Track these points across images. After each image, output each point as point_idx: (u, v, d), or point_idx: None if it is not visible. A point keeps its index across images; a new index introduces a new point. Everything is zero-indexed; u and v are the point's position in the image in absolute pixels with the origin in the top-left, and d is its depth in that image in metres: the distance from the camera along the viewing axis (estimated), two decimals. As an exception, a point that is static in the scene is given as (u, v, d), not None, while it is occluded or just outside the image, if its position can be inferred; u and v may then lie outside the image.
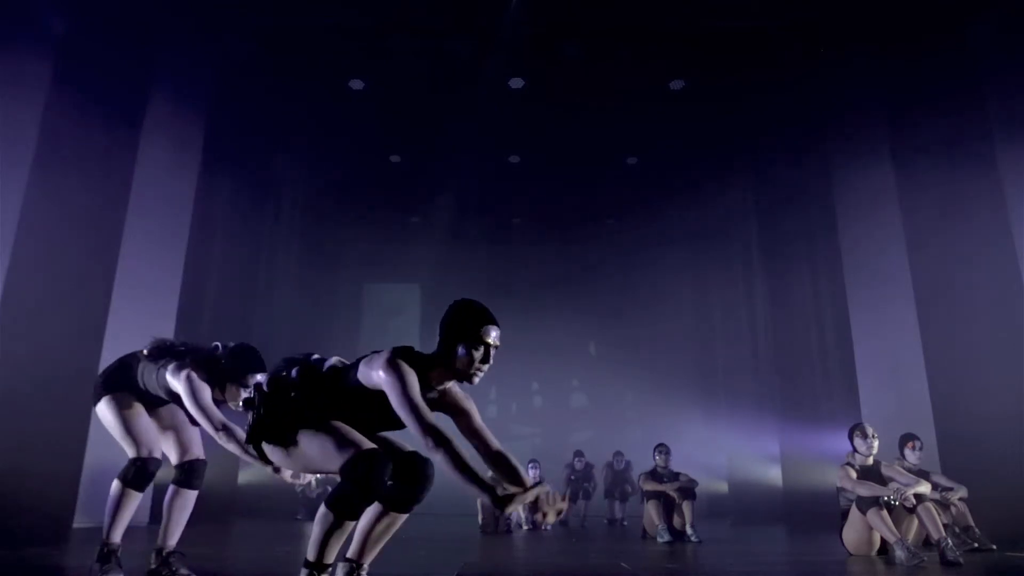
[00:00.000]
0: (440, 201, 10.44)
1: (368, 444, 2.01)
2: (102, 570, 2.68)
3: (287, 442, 2.08)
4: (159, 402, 2.94)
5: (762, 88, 7.86)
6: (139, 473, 2.74)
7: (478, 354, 2.06)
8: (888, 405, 6.85)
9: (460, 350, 2.06)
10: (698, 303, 12.39)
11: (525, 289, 12.60)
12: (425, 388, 2.08)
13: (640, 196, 10.66)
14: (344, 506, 1.94)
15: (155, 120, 6.94)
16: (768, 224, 9.76)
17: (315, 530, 1.98)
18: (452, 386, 2.20)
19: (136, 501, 2.78)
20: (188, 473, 2.86)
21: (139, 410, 2.85)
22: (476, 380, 2.11)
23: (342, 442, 2.00)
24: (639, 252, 12.19)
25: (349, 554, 2.16)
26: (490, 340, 2.07)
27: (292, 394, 2.15)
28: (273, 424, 2.11)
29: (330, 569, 2.01)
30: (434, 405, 2.16)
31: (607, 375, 12.78)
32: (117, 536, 2.75)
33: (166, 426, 2.94)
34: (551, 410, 13.26)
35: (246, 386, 2.76)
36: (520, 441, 12.56)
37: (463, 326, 2.07)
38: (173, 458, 2.90)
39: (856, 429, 4.55)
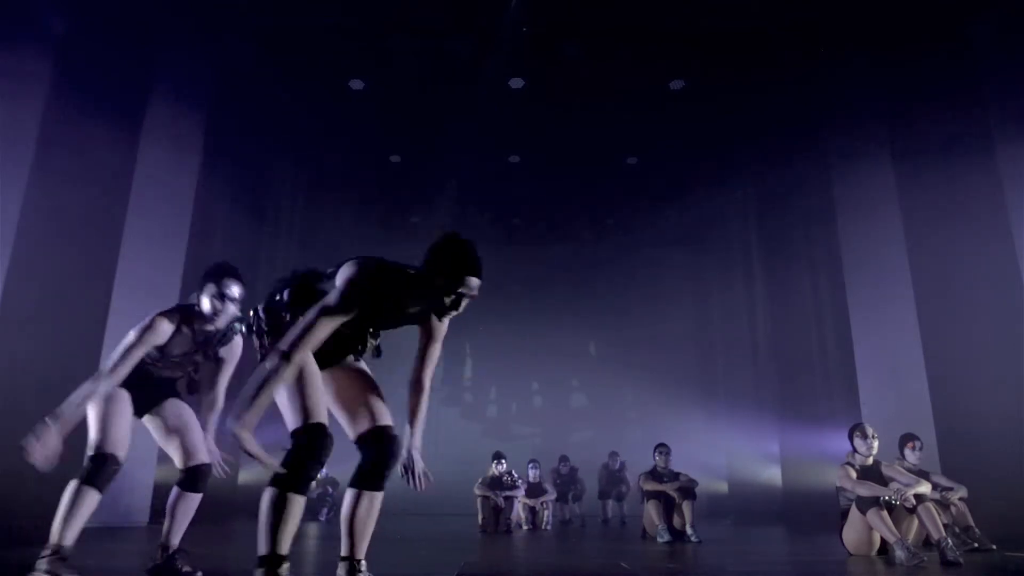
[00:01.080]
0: (440, 201, 10.44)
1: (320, 416, 1.98)
2: (47, 571, 2.51)
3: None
4: (163, 397, 2.89)
5: (762, 88, 7.86)
6: (100, 472, 2.63)
7: (449, 299, 2.06)
8: (888, 405, 6.85)
9: (438, 283, 2.06)
10: (698, 303, 12.40)
11: (525, 289, 12.60)
12: (396, 309, 2.12)
13: (640, 196, 10.67)
14: (286, 479, 1.88)
15: (155, 120, 6.94)
16: (768, 224, 9.77)
17: (262, 518, 1.87)
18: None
19: (94, 503, 2.61)
20: (193, 477, 2.82)
21: (125, 409, 2.75)
22: (442, 318, 2.14)
23: (301, 407, 1.97)
24: (639, 252, 12.20)
25: (343, 553, 2.10)
26: (467, 290, 2.07)
27: (286, 316, 2.11)
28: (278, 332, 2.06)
29: (287, 563, 1.88)
30: (410, 318, 2.19)
31: (607, 375, 12.79)
32: (70, 538, 2.58)
33: (171, 428, 2.88)
34: (551, 410, 13.26)
35: (224, 294, 2.72)
36: (520, 441, 12.56)
37: (449, 264, 2.06)
38: (178, 461, 2.85)
39: (856, 429, 4.55)
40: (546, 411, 13.30)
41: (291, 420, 1.98)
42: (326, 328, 1.96)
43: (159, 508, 6.57)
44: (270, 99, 8.18)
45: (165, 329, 2.71)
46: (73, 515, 2.56)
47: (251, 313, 2.21)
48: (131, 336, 2.65)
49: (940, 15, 6.65)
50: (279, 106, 8.32)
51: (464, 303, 2.09)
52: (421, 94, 8.13)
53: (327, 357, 2.16)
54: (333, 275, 2.16)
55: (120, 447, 2.68)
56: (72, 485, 2.61)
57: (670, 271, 12.40)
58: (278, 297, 2.19)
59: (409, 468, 2.19)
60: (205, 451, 2.87)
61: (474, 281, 2.08)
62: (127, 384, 2.75)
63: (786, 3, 6.71)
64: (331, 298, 1.99)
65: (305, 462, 1.92)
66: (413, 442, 2.21)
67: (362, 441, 2.14)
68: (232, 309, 2.78)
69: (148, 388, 2.85)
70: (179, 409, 2.91)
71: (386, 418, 2.17)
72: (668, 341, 12.37)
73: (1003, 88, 6.39)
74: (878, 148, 7.46)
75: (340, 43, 7.34)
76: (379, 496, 2.14)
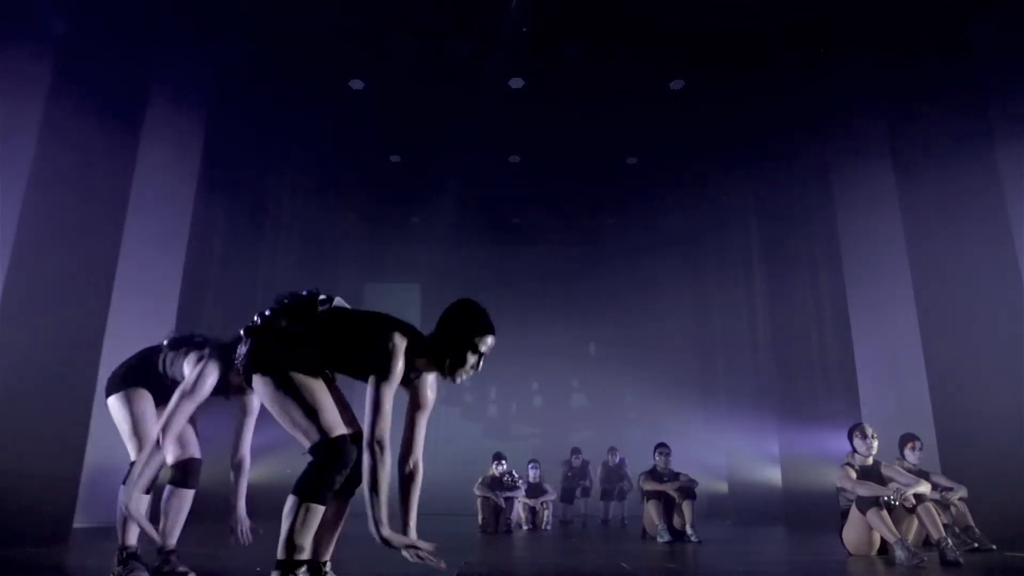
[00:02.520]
0: (440, 201, 10.44)
1: (342, 429, 2.02)
2: (125, 571, 2.63)
3: (277, 377, 2.05)
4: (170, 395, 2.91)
5: (762, 88, 7.86)
6: (184, 474, 2.79)
7: (472, 359, 2.12)
8: (888, 405, 6.85)
9: (453, 350, 2.12)
10: (698, 303, 12.40)
11: (525, 289, 12.60)
12: (409, 369, 2.13)
13: (640, 196, 10.66)
14: (310, 490, 1.94)
15: (155, 120, 6.93)
16: (768, 224, 9.77)
17: (284, 524, 1.93)
18: (429, 375, 2.26)
19: (146, 500, 2.74)
20: (184, 473, 2.84)
21: (151, 410, 2.81)
22: (458, 381, 2.16)
23: (321, 420, 2.01)
24: (639, 252, 12.19)
25: (305, 555, 2.06)
26: (484, 349, 2.13)
27: (284, 323, 2.16)
28: (265, 351, 2.10)
29: (302, 568, 1.94)
30: (404, 380, 2.20)
31: (607, 375, 12.79)
32: (132, 539, 2.70)
33: None
34: (551, 410, 13.26)
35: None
36: (520, 441, 12.56)
37: (463, 328, 2.12)
38: (169, 458, 2.87)
39: (856, 429, 4.55)
40: (546, 411, 13.30)
41: (312, 434, 2.01)
42: (390, 399, 2.03)
43: (158, 508, 6.57)
44: (270, 99, 8.17)
45: (212, 381, 2.71)
46: (176, 518, 2.80)
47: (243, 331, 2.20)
48: (198, 378, 2.66)
49: (940, 15, 6.65)
50: (279, 106, 8.31)
51: (482, 362, 2.16)
52: (421, 94, 8.12)
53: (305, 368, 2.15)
54: (327, 302, 2.25)
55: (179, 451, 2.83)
56: (123, 494, 2.62)
57: (670, 271, 12.40)
58: (284, 301, 2.24)
59: (412, 551, 2.10)
60: (197, 446, 2.90)
61: (490, 339, 2.15)
62: (149, 387, 2.84)
63: (786, 3, 6.71)
64: (384, 374, 2.04)
65: (328, 475, 1.97)
66: (410, 531, 2.15)
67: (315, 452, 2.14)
68: None
69: (162, 386, 2.89)
70: None
71: (350, 428, 2.17)
72: (668, 341, 12.37)
73: (1003, 88, 6.39)
74: (878, 148, 7.45)
75: (340, 43, 7.33)
76: (347, 504, 2.21)
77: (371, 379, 2.04)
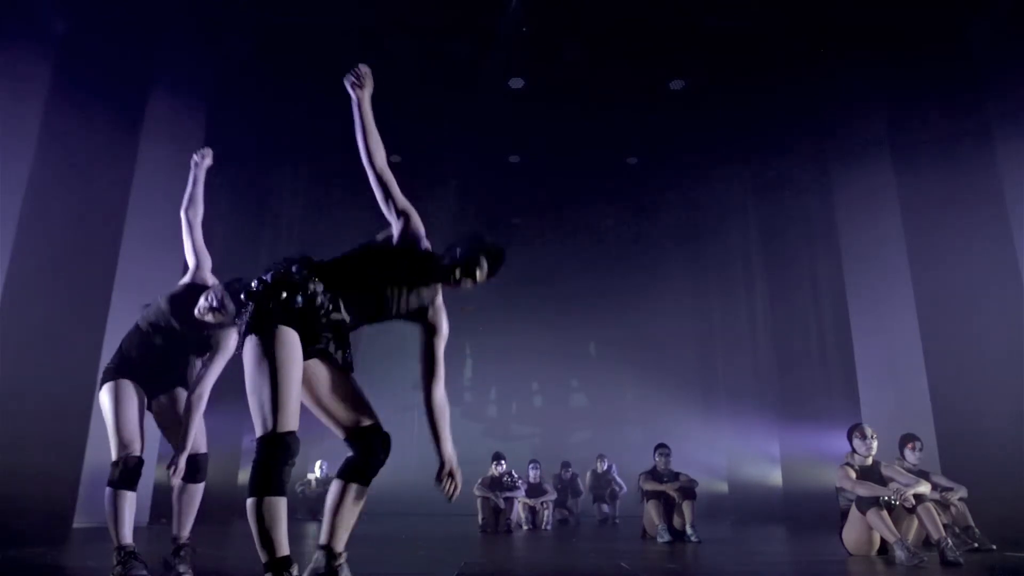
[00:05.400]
0: (440, 201, 10.44)
1: (286, 421, 1.94)
2: (125, 571, 2.65)
3: (268, 340, 1.99)
4: (165, 388, 2.94)
5: (762, 88, 7.86)
6: (123, 474, 2.74)
7: (480, 271, 2.28)
8: (888, 405, 6.85)
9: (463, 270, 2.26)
10: (698, 303, 12.39)
11: (525, 289, 12.59)
12: (399, 278, 2.26)
13: (640, 196, 10.66)
14: (260, 485, 1.90)
15: (155, 120, 6.93)
16: (768, 224, 9.77)
17: (252, 528, 1.90)
18: (439, 300, 2.34)
19: (132, 500, 2.77)
20: (194, 468, 2.88)
21: (135, 405, 2.82)
22: (450, 282, 2.27)
23: (269, 409, 1.94)
24: (639, 252, 12.19)
25: (322, 541, 2.11)
26: (477, 277, 2.28)
27: (285, 292, 2.08)
28: (266, 315, 2.04)
29: (293, 565, 1.90)
30: (415, 315, 2.29)
31: (607, 375, 12.78)
32: (127, 537, 2.73)
33: (169, 420, 2.94)
34: (551, 410, 13.26)
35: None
36: (520, 441, 12.56)
37: (473, 254, 2.30)
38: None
39: (855, 430, 4.55)
40: (546, 411, 13.30)
41: (257, 423, 1.96)
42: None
43: (158, 508, 6.58)
44: (270, 100, 8.17)
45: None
46: (120, 517, 2.72)
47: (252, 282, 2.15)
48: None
49: (940, 15, 6.65)
50: (279, 107, 8.32)
51: (469, 284, 2.25)
52: (421, 94, 8.12)
53: (311, 340, 2.12)
54: (325, 263, 2.22)
55: (134, 445, 2.79)
56: (108, 492, 2.74)
57: (670, 271, 12.39)
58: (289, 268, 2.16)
59: (447, 479, 2.23)
60: (204, 441, 2.93)
61: (485, 271, 2.27)
62: (137, 375, 2.84)
63: (786, 3, 6.71)
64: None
65: (273, 469, 1.92)
66: (447, 456, 2.23)
67: (353, 438, 2.18)
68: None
69: (159, 375, 2.91)
70: (177, 399, 2.95)
71: (375, 416, 2.21)
72: (668, 341, 12.36)
73: (1003, 87, 6.39)
74: (878, 147, 7.46)
75: (340, 43, 7.34)
76: (365, 490, 2.17)
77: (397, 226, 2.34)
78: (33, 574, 3.17)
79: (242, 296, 2.14)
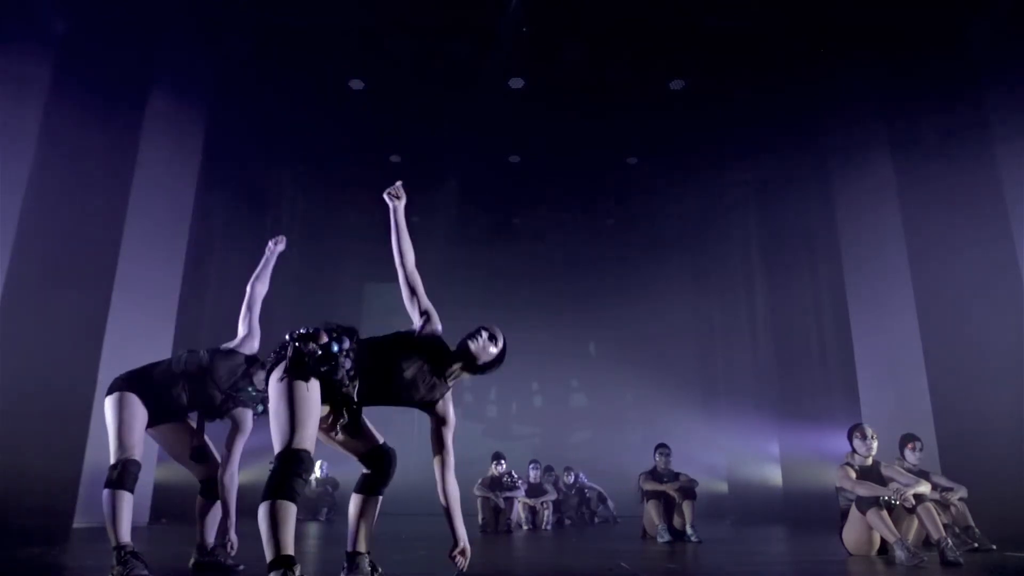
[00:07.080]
0: (440, 201, 10.44)
1: (303, 440, 2.18)
2: (126, 571, 2.71)
3: (298, 383, 2.24)
4: (165, 420, 3.08)
5: (762, 88, 7.86)
6: (121, 475, 2.83)
7: (480, 339, 2.50)
8: (888, 405, 6.85)
9: (468, 342, 2.53)
10: (698, 303, 12.40)
11: (525, 289, 12.60)
12: (445, 371, 2.53)
13: (640, 196, 10.66)
14: (273, 489, 2.09)
15: (155, 120, 6.93)
16: (768, 223, 9.78)
17: (262, 530, 2.07)
18: (448, 393, 2.57)
19: (129, 500, 2.85)
20: (211, 489, 3.13)
21: (139, 418, 2.93)
22: (481, 359, 2.50)
23: (288, 430, 2.18)
24: (639, 252, 12.19)
25: (349, 549, 2.49)
26: (472, 348, 2.51)
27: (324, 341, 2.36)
28: (302, 362, 2.29)
29: (296, 564, 2.04)
30: (425, 406, 2.53)
31: (607, 375, 12.78)
32: (125, 536, 2.81)
33: (166, 442, 3.18)
34: (551, 410, 13.26)
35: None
36: (520, 441, 12.56)
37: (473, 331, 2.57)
38: (197, 474, 3.17)
39: (855, 430, 4.55)
40: (546, 411, 13.30)
41: (277, 440, 2.19)
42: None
43: (158, 508, 6.57)
44: (270, 99, 8.17)
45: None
46: (118, 517, 2.83)
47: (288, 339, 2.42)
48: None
49: (940, 15, 6.65)
50: (279, 107, 8.32)
51: (486, 336, 2.51)
52: (421, 94, 8.12)
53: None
54: (362, 341, 2.47)
55: (135, 451, 2.91)
56: (105, 493, 2.85)
57: (670, 271, 12.40)
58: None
59: (461, 553, 2.50)
60: (216, 460, 3.17)
61: (485, 333, 2.52)
62: (147, 398, 2.97)
63: (786, 3, 6.71)
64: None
65: (287, 477, 2.12)
66: (459, 536, 2.51)
67: (366, 460, 2.57)
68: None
69: (166, 409, 3.05)
70: (192, 431, 3.16)
71: (378, 439, 2.59)
72: (668, 341, 12.36)
73: (1002, 86, 6.38)
74: (877, 147, 7.46)
75: (340, 43, 7.34)
76: (379, 499, 2.60)
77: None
78: (33, 574, 3.17)
79: (288, 336, 2.40)
